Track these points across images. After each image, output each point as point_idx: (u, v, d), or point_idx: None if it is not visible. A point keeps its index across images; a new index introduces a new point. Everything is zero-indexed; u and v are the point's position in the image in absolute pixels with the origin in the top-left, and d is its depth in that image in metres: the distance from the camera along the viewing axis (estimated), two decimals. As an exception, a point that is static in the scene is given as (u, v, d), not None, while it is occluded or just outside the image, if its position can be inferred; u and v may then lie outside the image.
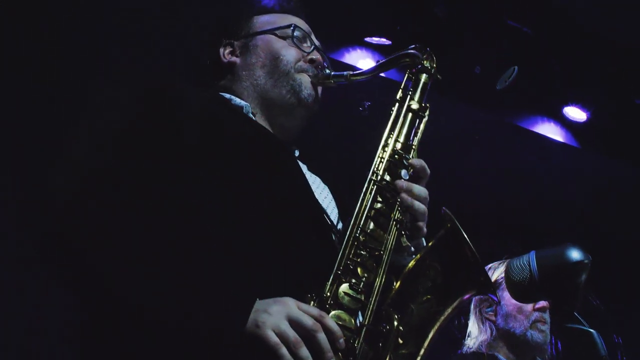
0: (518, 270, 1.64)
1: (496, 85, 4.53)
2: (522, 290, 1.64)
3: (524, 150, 5.25)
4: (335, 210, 1.91)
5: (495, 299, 1.67)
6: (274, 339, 1.39)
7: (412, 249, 1.77)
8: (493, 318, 3.14)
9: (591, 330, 1.55)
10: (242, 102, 1.93)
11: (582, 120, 4.90)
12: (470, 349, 3.13)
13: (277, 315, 1.41)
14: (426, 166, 1.79)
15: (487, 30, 4.44)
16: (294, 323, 1.42)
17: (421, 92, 1.88)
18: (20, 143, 4.19)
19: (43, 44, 4.09)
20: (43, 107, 4.24)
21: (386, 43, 4.27)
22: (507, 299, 3.07)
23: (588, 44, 4.58)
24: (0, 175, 4.08)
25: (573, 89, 4.76)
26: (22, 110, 4.26)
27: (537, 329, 3.01)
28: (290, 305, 1.44)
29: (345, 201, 1.89)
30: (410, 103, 1.86)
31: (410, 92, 1.87)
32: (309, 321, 1.42)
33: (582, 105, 4.80)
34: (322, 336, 1.42)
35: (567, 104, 4.83)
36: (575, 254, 1.59)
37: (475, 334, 3.15)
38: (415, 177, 1.76)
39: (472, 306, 3.23)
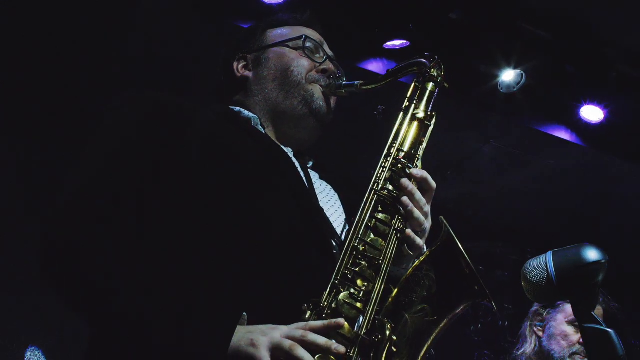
0: (535, 271, 1.64)
1: (500, 89, 4.52)
2: (539, 290, 1.64)
3: (539, 153, 5.23)
4: (342, 219, 1.89)
5: (492, 307, 1.66)
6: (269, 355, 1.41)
7: (414, 259, 1.75)
8: (540, 334, 3.16)
9: (609, 329, 1.55)
10: (251, 114, 1.93)
11: (597, 122, 4.87)
12: (515, 356, 3.17)
13: (271, 333, 1.43)
14: (429, 178, 1.76)
15: (500, 33, 4.44)
16: (287, 336, 1.44)
17: (427, 100, 1.87)
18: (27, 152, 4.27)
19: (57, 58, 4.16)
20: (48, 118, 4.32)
21: (405, 45, 4.30)
22: (559, 322, 3.09)
23: (603, 47, 4.57)
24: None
25: (588, 91, 4.74)
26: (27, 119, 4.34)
27: None
28: (280, 327, 1.46)
29: (352, 209, 1.86)
30: (416, 112, 1.85)
31: (415, 101, 1.87)
32: (298, 332, 1.44)
33: (598, 106, 4.78)
34: (314, 335, 1.44)
35: (582, 105, 4.81)
36: (592, 254, 1.59)
37: (523, 343, 3.18)
38: (420, 190, 1.74)
39: (527, 317, 3.25)
